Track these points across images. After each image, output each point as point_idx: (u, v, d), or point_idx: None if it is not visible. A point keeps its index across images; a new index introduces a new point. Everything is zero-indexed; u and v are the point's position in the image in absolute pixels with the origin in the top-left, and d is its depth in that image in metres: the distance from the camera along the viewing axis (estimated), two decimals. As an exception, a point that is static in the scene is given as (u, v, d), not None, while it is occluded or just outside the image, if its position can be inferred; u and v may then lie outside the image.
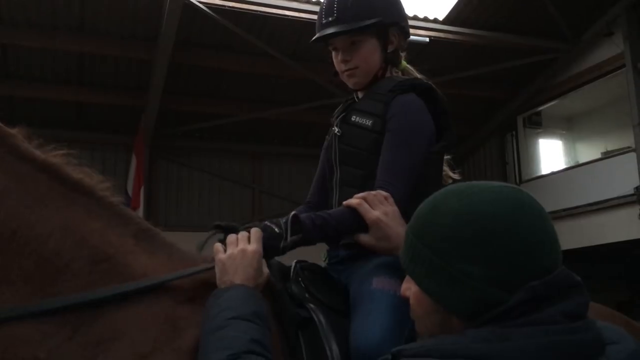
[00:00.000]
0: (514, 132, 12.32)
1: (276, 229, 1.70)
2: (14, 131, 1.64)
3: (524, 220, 1.02)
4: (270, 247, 1.68)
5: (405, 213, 1.81)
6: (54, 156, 1.66)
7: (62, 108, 10.34)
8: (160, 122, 10.62)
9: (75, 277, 1.54)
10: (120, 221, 1.69)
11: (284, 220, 1.72)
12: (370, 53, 2.05)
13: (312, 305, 1.75)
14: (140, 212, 9.52)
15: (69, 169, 1.67)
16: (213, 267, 1.64)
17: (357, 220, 1.78)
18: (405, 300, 1.17)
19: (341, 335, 1.69)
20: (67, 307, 1.50)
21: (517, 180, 11.90)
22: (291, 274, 1.84)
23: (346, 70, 2.07)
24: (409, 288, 1.13)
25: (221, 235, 1.72)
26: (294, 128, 11.76)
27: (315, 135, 11.39)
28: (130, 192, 9.91)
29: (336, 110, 2.21)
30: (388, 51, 2.08)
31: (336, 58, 2.10)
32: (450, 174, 2.18)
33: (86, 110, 10.64)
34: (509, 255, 0.99)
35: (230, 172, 12.06)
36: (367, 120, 1.99)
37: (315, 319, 1.71)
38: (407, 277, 1.14)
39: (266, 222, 1.74)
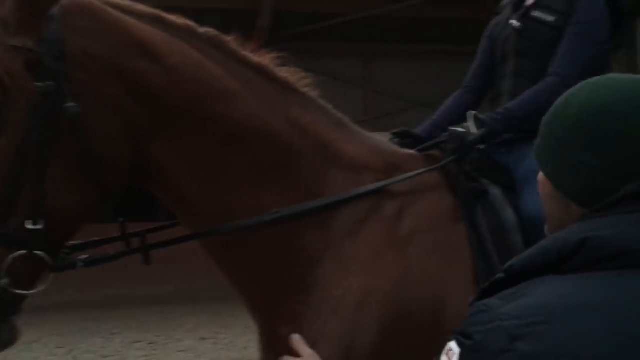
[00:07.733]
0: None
1: (459, 129, 1.86)
2: (229, 39, 1.77)
3: None
4: (462, 144, 1.83)
5: None
6: (264, 59, 1.80)
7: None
8: (273, 24, 10.46)
9: (309, 170, 1.72)
10: (323, 113, 1.84)
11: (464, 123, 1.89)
12: None
13: (485, 180, 1.89)
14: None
15: (277, 70, 1.81)
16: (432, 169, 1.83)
17: (535, 109, 1.81)
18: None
19: (513, 206, 1.85)
20: (328, 206, 1.69)
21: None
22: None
23: None
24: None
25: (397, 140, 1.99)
26: (407, 24, 10.31)
27: (430, 31, 9.82)
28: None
29: (505, 2, 2.24)
30: None
31: None
32: None
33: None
34: (627, 146, 0.97)
35: (341, 72, 11.86)
36: (549, 17, 2.02)
37: (490, 191, 1.86)
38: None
39: (448, 128, 1.91)
